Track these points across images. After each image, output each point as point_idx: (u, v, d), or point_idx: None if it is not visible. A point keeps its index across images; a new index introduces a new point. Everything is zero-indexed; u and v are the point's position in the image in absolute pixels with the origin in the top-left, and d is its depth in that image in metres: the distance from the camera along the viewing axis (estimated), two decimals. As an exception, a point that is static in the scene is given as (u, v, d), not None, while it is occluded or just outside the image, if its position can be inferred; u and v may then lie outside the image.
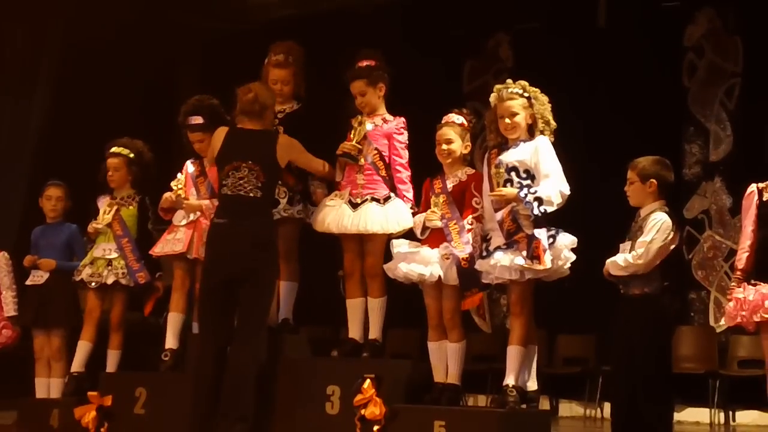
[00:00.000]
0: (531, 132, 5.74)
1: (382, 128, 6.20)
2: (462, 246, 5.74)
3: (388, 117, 6.25)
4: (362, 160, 6.16)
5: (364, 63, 6.25)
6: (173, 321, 6.62)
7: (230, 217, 5.96)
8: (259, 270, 5.86)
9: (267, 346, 6.08)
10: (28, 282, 7.57)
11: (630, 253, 5.65)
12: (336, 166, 6.30)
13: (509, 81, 5.83)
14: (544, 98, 5.78)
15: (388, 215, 6.06)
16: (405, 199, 6.16)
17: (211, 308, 5.98)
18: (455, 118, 5.98)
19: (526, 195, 5.54)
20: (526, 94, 5.74)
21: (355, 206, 6.10)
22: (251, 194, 5.91)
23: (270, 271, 5.98)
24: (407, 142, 6.23)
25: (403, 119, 6.25)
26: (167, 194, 6.66)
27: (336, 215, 6.13)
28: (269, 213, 6.07)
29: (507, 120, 5.72)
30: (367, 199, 6.10)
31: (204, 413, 5.84)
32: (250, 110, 6.01)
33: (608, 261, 5.75)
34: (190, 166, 6.77)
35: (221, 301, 5.93)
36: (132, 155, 7.10)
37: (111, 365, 6.96)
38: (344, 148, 6.20)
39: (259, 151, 5.96)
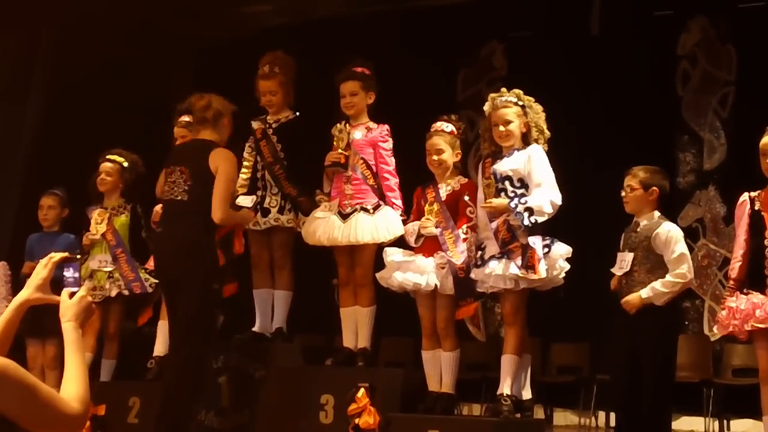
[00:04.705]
0: (525, 140, 5.73)
1: (367, 137, 6.18)
2: (458, 255, 5.72)
3: (372, 125, 6.23)
4: (350, 170, 6.15)
5: (359, 69, 6.25)
6: (163, 329, 6.58)
7: (164, 221, 6.01)
8: (186, 274, 5.70)
9: (209, 355, 6.00)
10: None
11: (666, 276, 5.62)
12: (324, 177, 6.29)
13: (504, 89, 5.82)
14: (539, 107, 5.78)
15: (378, 224, 6.05)
16: (394, 206, 6.14)
17: (167, 314, 6.05)
18: (444, 126, 5.96)
19: (516, 206, 5.53)
20: (520, 103, 5.73)
21: (344, 217, 6.09)
22: (179, 197, 5.83)
23: (198, 276, 5.70)
24: (392, 148, 6.19)
25: (386, 126, 6.22)
26: (157, 207, 6.66)
27: (326, 227, 6.11)
28: (199, 217, 5.77)
29: (501, 128, 5.70)
30: (356, 209, 6.08)
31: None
32: (202, 117, 5.89)
33: (638, 295, 5.67)
34: None
35: (169, 307, 5.94)
36: (126, 164, 7.14)
37: (105, 374, 6.95)
38: (331, 158, 6.18)
39: (192, 157, 5.86)
